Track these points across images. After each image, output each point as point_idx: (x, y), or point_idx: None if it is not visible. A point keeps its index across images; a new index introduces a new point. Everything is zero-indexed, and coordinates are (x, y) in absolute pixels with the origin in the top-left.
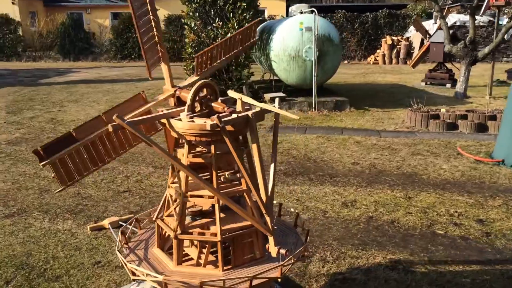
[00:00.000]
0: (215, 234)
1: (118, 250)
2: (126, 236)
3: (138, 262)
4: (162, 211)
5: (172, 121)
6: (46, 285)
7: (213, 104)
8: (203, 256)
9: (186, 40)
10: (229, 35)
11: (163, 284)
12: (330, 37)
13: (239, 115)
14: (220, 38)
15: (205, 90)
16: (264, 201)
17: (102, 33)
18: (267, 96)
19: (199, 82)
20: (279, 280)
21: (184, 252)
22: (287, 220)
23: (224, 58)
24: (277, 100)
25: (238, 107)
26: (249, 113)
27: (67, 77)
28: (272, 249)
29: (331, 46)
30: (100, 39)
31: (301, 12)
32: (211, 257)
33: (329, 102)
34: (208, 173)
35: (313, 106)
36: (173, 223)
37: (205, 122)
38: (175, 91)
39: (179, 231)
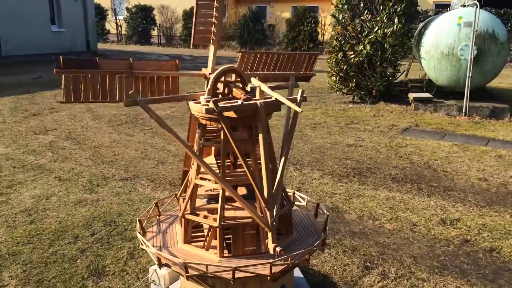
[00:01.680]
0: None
1: (139, 219)
2: (160, 209)
3: (155, 234)
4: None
5: (190, 103)
6: (120, 243)
7: (233, 90)
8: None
9: (332, 32)
10: (376, 29)
11: (155, 256)
12: (494, 34)
13: (245, 102)
14: (366, 32)
15: (233, 75)
16: (266, 195)
17: (278, 25)
18: (411, 95)
19: (223, 67)
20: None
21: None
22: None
23: (270, 72)
24: (300, 92)
25: (257, 95)
26: (258, 101)
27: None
28: (270, 245)
29: (494, 44)
30: (276, 31)
31: (463, 5)
32: (216, 242)
33: (484, 108)
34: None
35: (464, 111)
36: (183, 204)
37: (208, 105)
38: (209, 74)
39: (187, 211)
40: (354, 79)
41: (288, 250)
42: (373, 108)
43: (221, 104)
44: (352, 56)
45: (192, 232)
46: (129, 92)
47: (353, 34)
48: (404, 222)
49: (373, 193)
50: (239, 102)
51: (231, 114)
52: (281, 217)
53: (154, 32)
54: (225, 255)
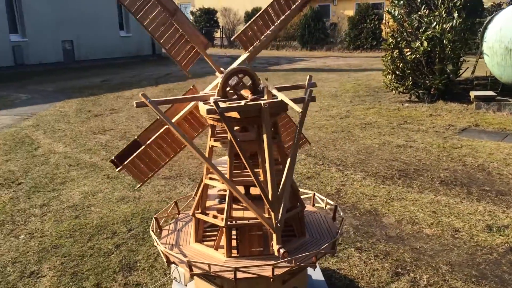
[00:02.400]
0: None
1: (155, 217)
2: (179, 208)
3: (170, 232)
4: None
5: (200, 104)
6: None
7: (242, 91)
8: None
9: (387, 29)
10: (434, 24)
11: (162, 253)
12: None
13: (248, 103)
14: (424, 28)
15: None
16: (270, 196)
17: (340, 24)
18: (472, 94)
19: (230, 68)
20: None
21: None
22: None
23: (273, 26)
24: (308, 92)
25: (265, 95)
26: (263, 102)
27: (293, 65)
28: (275, 247)
29: None
30: (338, 29)
31: None
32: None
33: None
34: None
35: None
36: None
37: (211, 106)
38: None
39: (198, 210)
40: (410, 77)
41: (298, 252)
42: (430, 107)
43: (222, 105)
44: (408, 53)
45: (207, 232)
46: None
47: (410, 30)
48: (446, 227)
49: (417, 196)
50: (242, 102)
51: (235, 114)
52: (293, 218)
53: (217, 34)
54: (233, 255)
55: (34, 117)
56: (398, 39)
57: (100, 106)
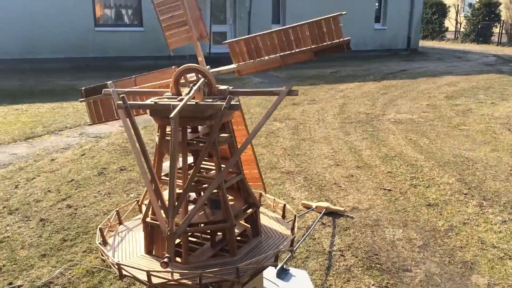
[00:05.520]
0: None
1: (100, 228)
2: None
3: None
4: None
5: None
6: None
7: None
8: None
9: None
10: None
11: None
12: None
13: (158, 102)
14: None
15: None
16: (166, 201)
17: None
18: None
19: (183, 66)
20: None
21: None
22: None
23: (276, 55)
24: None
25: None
26: (172, 103)
27: None
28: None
29: None
30: None
31: None
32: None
33: None
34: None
35: None
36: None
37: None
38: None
39: (148, 216)
40: None
41: (251, 252)
42: None
43: (130, 102)
44: None
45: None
46: (105, 93)
47: None
48: None
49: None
50: (151, 101)
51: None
52: (249, 218)
53: (496, 29)
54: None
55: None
56: None
57: (306, 96)
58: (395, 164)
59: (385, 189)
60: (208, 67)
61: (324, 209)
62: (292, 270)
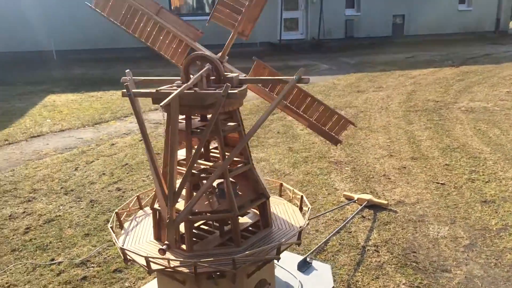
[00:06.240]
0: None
1: (116, 212)
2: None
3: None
4: None
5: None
6: None
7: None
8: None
9: None
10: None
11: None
12: None
13: (159, 90)
14: None
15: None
16: (165, 189)
17: None
18: None
19: (193, 54)
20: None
21: None
22: None
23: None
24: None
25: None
26: (173, 91)
27: None
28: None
29: None
30: None
31: None
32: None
33: None
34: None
35: None
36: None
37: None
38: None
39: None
40: None
41: (258, 243)
42: None
43: (134, 90)
44: None
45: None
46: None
47: None
48: None
49: None
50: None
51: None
52: (258, 209)
53: None
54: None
55: (301, 87)
56: None
57: (373, 83)
58: (455, 157)
59: (438, 183)
60: (226, 57)
61: (366, 202)
62: (315, 264)
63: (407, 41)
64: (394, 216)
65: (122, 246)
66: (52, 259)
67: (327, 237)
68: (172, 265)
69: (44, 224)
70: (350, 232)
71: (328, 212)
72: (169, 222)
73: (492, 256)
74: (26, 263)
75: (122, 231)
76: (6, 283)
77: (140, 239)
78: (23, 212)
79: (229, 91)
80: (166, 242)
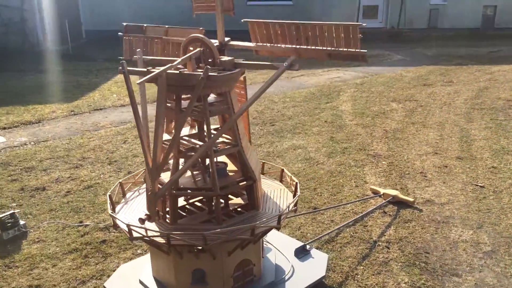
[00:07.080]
0: None
1: (120, 182)
2: None
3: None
4: None
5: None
6: None
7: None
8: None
9: None
10: None
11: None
12: None
13: (150, 70)
14: None
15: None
16: (150, 164)
17: None
18: None
19: (189, 36)
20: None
21: None
22: None
23: (292, 46)
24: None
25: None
26: (160, 71)
27: None
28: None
29: None
30: None
31: None
32: None
33: None
34: None
35: None
36: None
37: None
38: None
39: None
40: None
41: (238, 224)
42: None
43: (129, 68)
44: None
45: None
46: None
47: None
48: None
49: None
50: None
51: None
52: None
53: None
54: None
55: (364, 77)
56: None
57: (444, 77)
58: (506, 160)
59: (477, 185)
60: (228, 39)
61: (391, 197)
62: (313, 252)
63: (496, 35)
64: (417, 215)
65: (112, 213)
66: (81, 221)
67: (335, 228)
68: (149, 235)
69: (83, 189)
70: (366, 226)
71: (348, 204)
72: (151, 194)
73: (511, 266)
74: (59, 223)
75: (123, 200)
76: (37, 238)
77: (135, 209)
78: (69, 177)
79: (210, 74)
80: (147, 212)
